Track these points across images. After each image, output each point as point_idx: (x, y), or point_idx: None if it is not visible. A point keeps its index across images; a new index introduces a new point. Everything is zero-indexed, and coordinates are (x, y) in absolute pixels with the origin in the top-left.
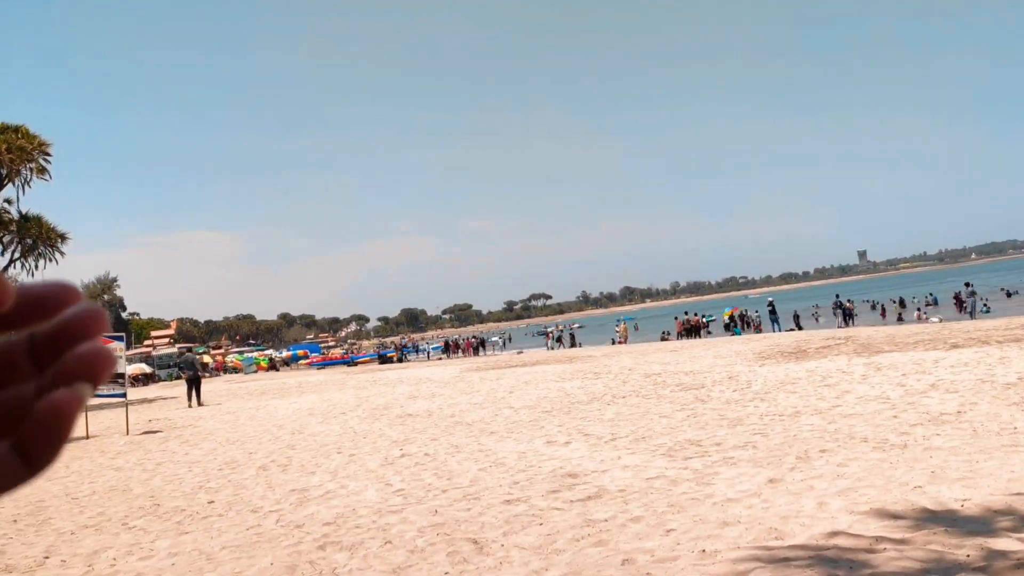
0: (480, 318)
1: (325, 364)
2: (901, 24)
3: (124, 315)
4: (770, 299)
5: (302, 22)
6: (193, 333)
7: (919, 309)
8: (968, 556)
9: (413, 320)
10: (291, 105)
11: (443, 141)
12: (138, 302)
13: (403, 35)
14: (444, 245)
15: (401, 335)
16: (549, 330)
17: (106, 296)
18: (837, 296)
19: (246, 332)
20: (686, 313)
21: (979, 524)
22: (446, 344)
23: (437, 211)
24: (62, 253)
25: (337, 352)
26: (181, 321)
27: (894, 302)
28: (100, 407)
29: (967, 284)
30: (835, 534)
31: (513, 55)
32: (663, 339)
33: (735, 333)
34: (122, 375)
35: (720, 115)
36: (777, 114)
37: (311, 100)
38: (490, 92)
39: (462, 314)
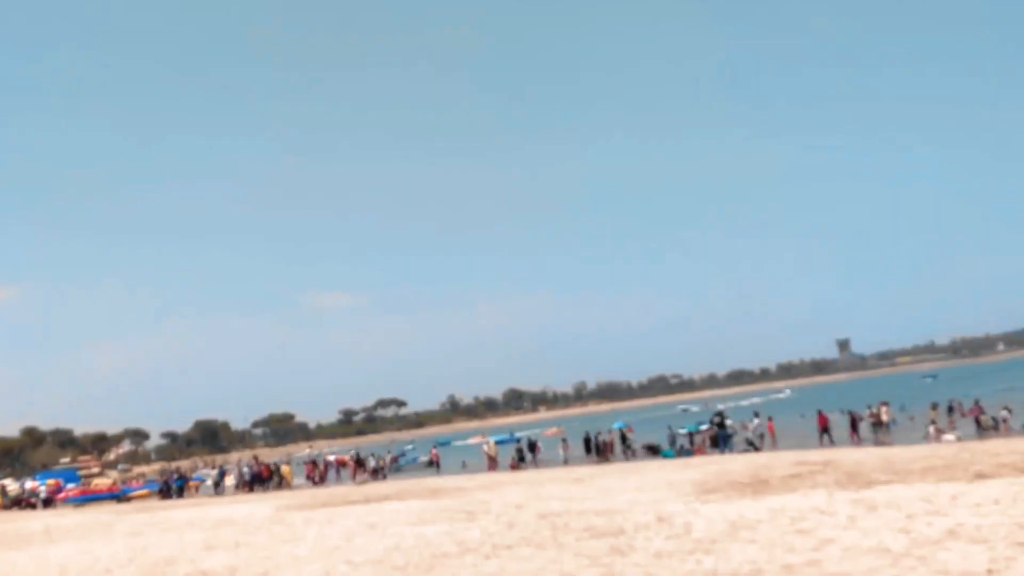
0: (306, 433)
1: (86, 499)
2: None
3: None
4: (720, 407)
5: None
6: None
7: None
8: None
9: (211, 436)
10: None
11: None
12: None
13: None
14: (276, 328)
15: (197, 456)
16: None
17: None
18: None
19: None
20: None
21: None
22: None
23: (270, 280)
24: None
25: (103, 483)
26: None
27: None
28: None
29: None
30: None
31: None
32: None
33: (664, 456)
34: None
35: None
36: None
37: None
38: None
39: (280, 427)
